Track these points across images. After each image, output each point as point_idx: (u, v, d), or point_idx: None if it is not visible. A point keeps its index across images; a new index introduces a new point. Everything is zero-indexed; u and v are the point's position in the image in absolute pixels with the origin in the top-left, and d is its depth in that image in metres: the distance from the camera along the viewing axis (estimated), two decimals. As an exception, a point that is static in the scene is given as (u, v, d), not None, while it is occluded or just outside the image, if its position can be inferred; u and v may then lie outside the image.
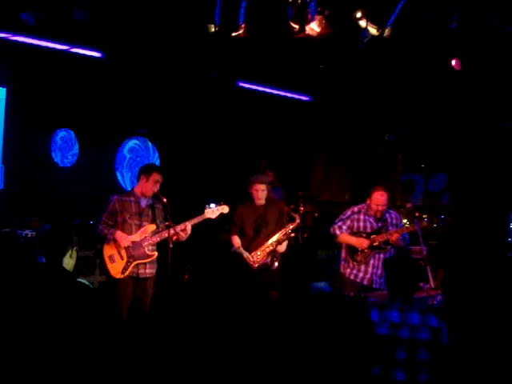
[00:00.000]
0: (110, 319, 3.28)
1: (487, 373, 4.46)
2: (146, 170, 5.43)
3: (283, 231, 5.93)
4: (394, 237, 5.72)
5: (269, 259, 5.91)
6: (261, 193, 5.98)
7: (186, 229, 5.36)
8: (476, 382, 4.36)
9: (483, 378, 4.41)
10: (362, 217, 5.89)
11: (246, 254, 5.85)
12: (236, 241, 6.06)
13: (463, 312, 5.94)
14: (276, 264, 5.94)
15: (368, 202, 5.86)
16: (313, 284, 6.64)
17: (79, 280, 3.44)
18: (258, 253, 5.89)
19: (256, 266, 5.83)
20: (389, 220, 5.90)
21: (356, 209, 5.96)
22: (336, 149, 9.74)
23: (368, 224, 5.87)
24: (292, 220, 6.04)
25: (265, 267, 5.92)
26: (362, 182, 9.13)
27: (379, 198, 5.77)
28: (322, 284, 7.01)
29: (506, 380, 4.40)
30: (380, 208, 5.77)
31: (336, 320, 2.77)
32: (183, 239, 5.40)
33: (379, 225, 5.85)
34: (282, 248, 5.98)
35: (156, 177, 5.36)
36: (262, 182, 6.02)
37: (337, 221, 5.98)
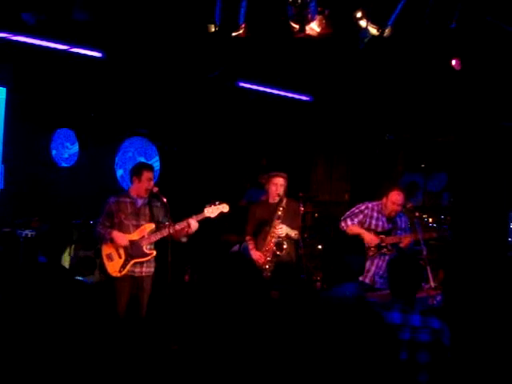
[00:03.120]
0: (108, 317, 3.29)
1: (487, 374, 4.46)
2: (137, 171, 5.43)
3: (276, 217, 5.84)
4: (407, 241, 5.76)
5: (274, 248, 5.84)
6: (280, 187, 5.91)
7: (190, 225, 5.36)
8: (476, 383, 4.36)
9: (483, 379, 4.40)
10: (375, 214, 5.91)
11: (254, 254, 5.84)
12: (251, 243, 5.99)
13: (463, 312, 5.93)
14: (285, 246, 5.86)
15: (384, 201, 5.88)
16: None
17: (77, 278, 3.46)
18: (265, 249, 5.86)
19: (266, 263, 5.79)
20: (398, 223, 5.94)
21: (370, 205, 5.98)
22: (336, 149, 9.74)
23: (380, 223, 5.90)
24: (281, 202, 5.92)
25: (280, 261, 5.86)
26: (362, 182, 9.13)
27: (397, 198, 5.84)
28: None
29: (506, 381, 4.39)
30: (396, 208, 5.83)
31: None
32: (192, 232, 5.41)
33: (390, 226, 5.88)
34: (282, 232, 5.85)
35: (148, 175, 5.38)
36: (282, 176, 5.98)
37: (348, 214, 5.99)
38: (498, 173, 8.11)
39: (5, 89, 6.86)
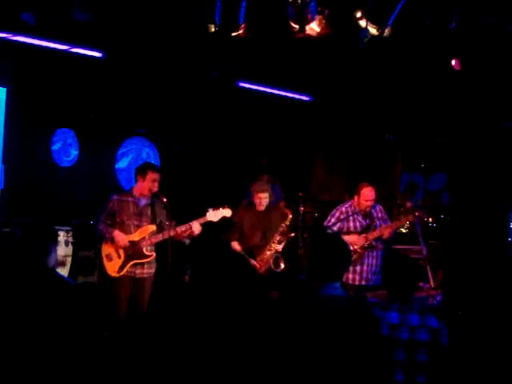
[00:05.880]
0: (108, 317, 3.28)
1: (486, 374, 4.46)
2: (142, 170, 5.42)
3: (279, 232, 5.91)
4: (387, 232, 5.81)
5: (271, 263, 5.89)
6: (264, 200, 5.99)
7: (192, 229, 5.35)
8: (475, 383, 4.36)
9: (482, 379, 4.40)
10: (350, 216, 5.93)
11: (251, 261, 5.84)
12: (236, 247, 6.02)
13: (463, 312, 5.94)
14: (282, 266, 5.93)
15: (356, 199, 5.92)
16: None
17: (58, 274, 3.40)
18: (260, 259, 5.88)
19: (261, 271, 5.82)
20: (374, 214, 5.97)
21: (343, 209, 6.01)
22: (336, 149, 9.74)
23: (357, 223, 5.93)
24: (285, 217, 6.00)
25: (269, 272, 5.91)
26: (361, 182, 9.12)
27: (368, 194, 5.87)
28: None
29: (505, 381, 4.39)
30: (370, 203, 5.87)
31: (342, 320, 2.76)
32: (195, 235, 5.41)
33: (367, 222, 5.91)
34: (279, 247, 5.94)
35: (152, 175, 5.35)
36: (264, 191, 6.03)
37: (325, 224, 6.01)
38: (498, 173, 8.11)
39: (5, 89, 6.84)
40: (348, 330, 2.74)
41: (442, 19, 5.19)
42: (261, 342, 2.67)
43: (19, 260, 3.27)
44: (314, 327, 2.76)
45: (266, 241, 5.94)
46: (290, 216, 5.95)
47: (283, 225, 5.90)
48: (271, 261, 5.87)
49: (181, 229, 5.35)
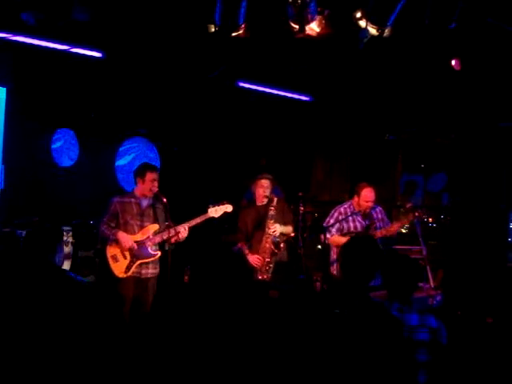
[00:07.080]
0: (108, 316, 3.28)
1: (486, 373, 4.46)
2: (140, 172, 5.46)
3: (269, 217, 5.87)
4: (392, 231, 5.80)
5: (272, 247, 5.89)
6: (266, 189, 5.99)
7: (184, 230, 5.37)
8: (475, 382, 4.36)
9: (482, 378, 4.41)
10: (349, 217, 5.94)
11: (252, 258, 5.86)
12: (245, 248, 6.02)
13: (463, 312, 5.94)
14: (282, 244, 5.92)
15: (356, 199, 5.92)
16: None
17: (68, 273, 3.42)
18: (262, 250, 5.88)
19: (264, 265, 5.81)
20: (374, 216, 5.98)
21: (342, 209, 6.01)
22: (336, 149, 9.74)
23: (357, 223, 5.93)
24: (271, 202, 5.94)
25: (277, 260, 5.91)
26: (361, 182, 9.12)
27: (368, 195, 5.88)
28: None
29: (505, 381, 4.39)
30: (370, 204, 5.87)
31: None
32: (180, 240, 5.42)
33: (367, 222, 5.91)
34: (276, 231, 5.92)
35: (151, 176, 5.39)
36: (267, 178, 6.04)
37: (324, 225, 6.00)
38: (498, 173, 8.11)
39: (5, 89, 6.85)
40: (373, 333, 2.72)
41: (442, 19, 5.19)
42: (262, 340, 2.68)
43: (27, 259, 3.29)
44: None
45: (261, 234, 5.96)
46: (276, 198, 5.93)
47: (271, 208, 5.89)
48: (272, 246, 5.87)
49: (181, 227, 5.37)
